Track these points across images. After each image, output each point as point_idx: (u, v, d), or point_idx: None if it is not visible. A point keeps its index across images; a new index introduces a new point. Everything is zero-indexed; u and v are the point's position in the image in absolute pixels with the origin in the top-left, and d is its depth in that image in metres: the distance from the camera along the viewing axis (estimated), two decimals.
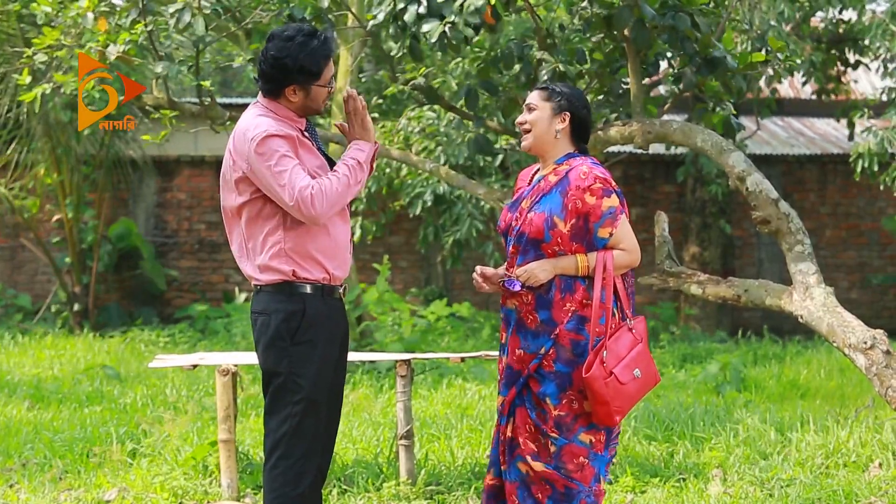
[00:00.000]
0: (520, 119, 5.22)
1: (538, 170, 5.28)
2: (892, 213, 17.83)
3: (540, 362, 5.00)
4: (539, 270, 4.99)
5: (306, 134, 4.94)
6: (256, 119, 4.83)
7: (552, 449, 4.98)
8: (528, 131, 5.17)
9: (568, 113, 5.15)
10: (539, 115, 5.16)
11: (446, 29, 7.26)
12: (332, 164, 5.02)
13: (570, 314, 4.99)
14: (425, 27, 7.35)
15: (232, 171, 4.84)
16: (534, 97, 5.21)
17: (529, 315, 5.05)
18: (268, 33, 4.96)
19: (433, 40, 7.31)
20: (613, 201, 5.01)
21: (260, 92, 4.96)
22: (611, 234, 5.00)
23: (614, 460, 5.42)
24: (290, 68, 4.79)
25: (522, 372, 5.06)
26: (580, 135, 5.22)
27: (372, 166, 4.98)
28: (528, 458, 5.00)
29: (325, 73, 4.87)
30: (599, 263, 4.98)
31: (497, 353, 5.38)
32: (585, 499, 4.98)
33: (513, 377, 5.11)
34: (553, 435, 4.97)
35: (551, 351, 4.98)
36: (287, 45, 4.79)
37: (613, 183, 5.07)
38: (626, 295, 5.09)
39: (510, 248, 5.13)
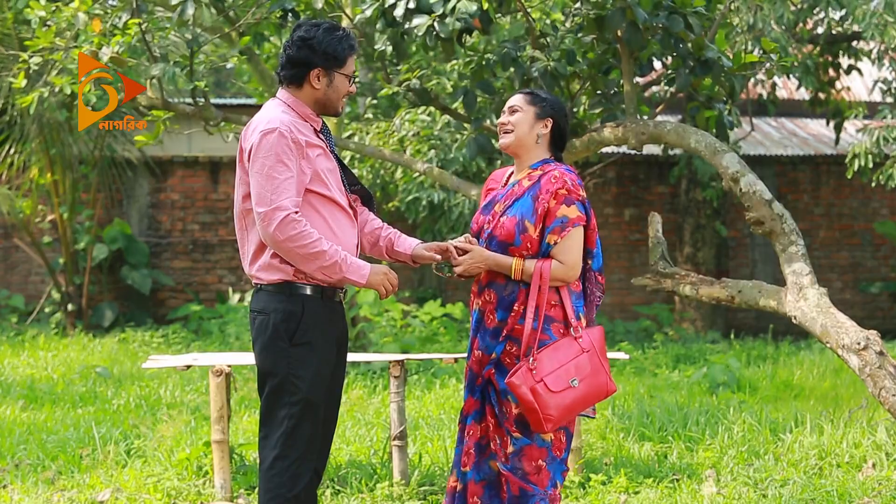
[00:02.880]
0: (502, 120, 5.25)
1: (512, 173, 5.33)
2: (886, 213, 17.85)
3: (494, 365, 5.05)
4: (473, 266, 5.07)
5: (321, 135, 4.96)
6: (272, 113, 4.87)
7: (510, 449, 5.01)
8: (510, 132, 5.21)
9: (551, 119, 5.22)
10: (522, 117, 5.20)
11: (434, 23, 7.28)
12: (342, 167, 5.04)
13: (523, 309, 5.03)
14: (414, 21, 7.37)
15: (240, 165, 4.86)
16: (518, 100, 5.25)
17: (490, 315, 5.10)
18: (296, 24, 5.01)
19: (420, 33, 7.32)
20: (571, 212, 5.05)
21: (280, 86, 5.00)
22: (555, 243, 5.05)
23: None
24: (317, 50, 4.85)
25: (479, 376, 5.10)
26: (557, 143, 5.29)
27: (339, 277, 4.85)
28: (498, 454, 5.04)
29: (348, 63, 4.93)
30: (537, 272, 5.02)
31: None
32: (540, 502, 5.00)
33: (474, 381, 5.15)
34: (515, 434, 5.00)
35: (513, 349, 5.03)
36: (314, 30, 4.88)
37: (582, 194, 5.12)
38: (570, 304, 5.09)
39: None
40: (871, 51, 14.60)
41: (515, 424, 5.01)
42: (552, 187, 5.05)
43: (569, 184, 5.07)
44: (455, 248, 5.10)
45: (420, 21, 7.35)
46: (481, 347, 5.11)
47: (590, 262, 5.19)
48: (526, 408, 4.93)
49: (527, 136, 5.20)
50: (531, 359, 4.94)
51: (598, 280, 5.24)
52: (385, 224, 5.25)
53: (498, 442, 5.04)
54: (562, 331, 5.04)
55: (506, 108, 5.27)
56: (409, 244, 5.20)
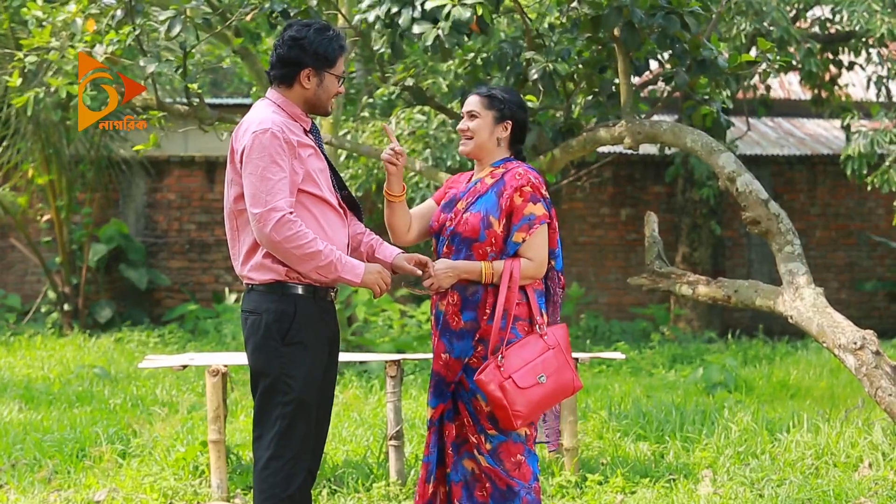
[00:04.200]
0: (461, 126, 5.23)
1: (473, 174, 5.33)
2: (882, 213, 17.85)
3: (466, 368, 5.05)
4: (443, 277, 5.07)
5: (311, 135, 4.96)
6: (263, 114, 4.87)
7: (488, 447, 5.03)
8: (470, 138, 5.20)
9: (510, 121, 5.22)
10: (481, 123, 5.19)
11: (440, 32, 7.27)
12: (331, 167, 5.04)
13: (491, 310, 5.05)
14: (417, 29, 7.37)
15: (231, 165, 4.86)
16: (475, 104, 5.21)
17: (455, 317, 5.10)
18: (287, 24, 5.01)
19: (428, 43, 7.31)
20: (537, 209, 5.08)
21: (271, 85, 5.01)
22: (523, 240, 5.08)
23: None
24: (308, 50, 4.85)
25: (448, 379, 5.10)
26: (518, 137, 5.29)
27: (335, 276, 4.85)
28: (475, 453, 5.04)
29: (338, 64, 4.93)
30: (506, 270, 5.04)
31: None
32: (527, 496, 5.02)
33: (442, 386, 5.14)
34: (491, 432, 5.02)
35: (479, 349, 5.03)
36: (305, 30, 4.89)
37: (545, 192, 5.15)
38: (535, 302, 5.11)
39: (443, 248, 5.17)
40: (866, 43, 14.58)
41: (489, 421, 5.02)
42: (516, 183, 5.08)
43: (533, 181, 5.11)
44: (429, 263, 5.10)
45: (423, 28, 7.34)
46: (448, 351, 5.10)
47: (553, 262, 5.21)
48: (495, 405, 4.94)
49: (487, 141, 5.21)
50: (499, 356, 4.95)
51: (560, 279, 5.28)
52: (367, 230, 5.25)
53: (474, 439, 5.04)
54: (526, 329, 5.08)
55: (464, 112, 5.24)
56: (389, 252, 5.19)
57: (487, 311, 5.04)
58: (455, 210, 5.16)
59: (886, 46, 14.48)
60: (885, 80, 14.83)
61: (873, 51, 14.69)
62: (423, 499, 5.20)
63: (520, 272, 5.03)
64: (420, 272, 5.07)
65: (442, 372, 5.13)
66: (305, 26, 4.91)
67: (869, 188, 14.01)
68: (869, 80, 15.13)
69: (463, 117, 5.24)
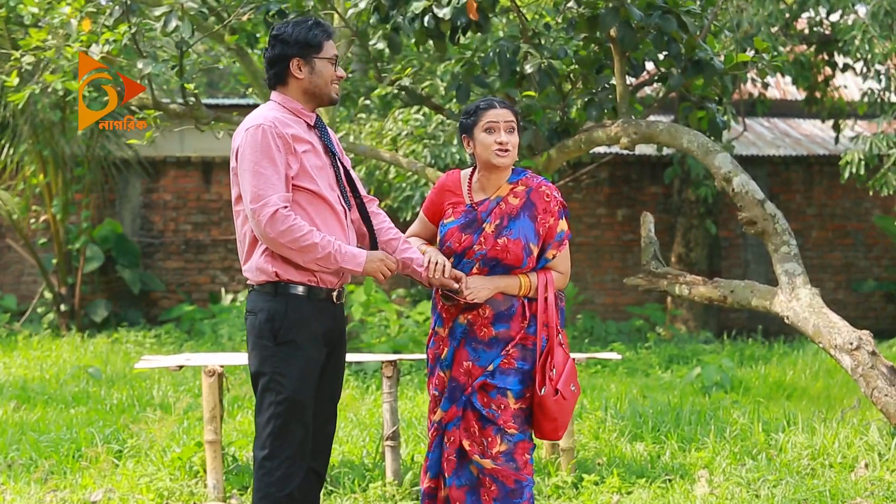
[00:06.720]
0: (505, 139, 5.02)
1: (471, 177, 5.22)
2: (879, 213, 17.86)
3: (493, 372, 5.04)
4: (481, 290, 5.04)
5: (315, 130, 4.95)
6: (259, 112, 4.92)
7: (503, 448, 5.03)
8: (509, 151, 5.05)
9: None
10: (516, 137, 5.11)
11: (433, 6, 7.28)
12: (339, 163, 5.04)
13: (528, 320, 5.08)
14: (415, 5, 7.38)
15: (232, 167, 4.88)
16: (510, 115, 5.08)
17: (484, 328, 5.08)
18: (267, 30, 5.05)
19: (417, 13, 7.31)
20: (564, 225, 5.13)
21: (270, 89, 5.03)
22: (554, 256, 5.12)
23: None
24: (290, 41, 4.88)
25: (467, 386, 5.08)
26: None
27: (336, 267, 4.84)
28: (476, 458, 5.04)
29: (326, 48, 4.93)
30: (543, 285, 5.07)
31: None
32: (529, 492, 5.06)
33: (457, 390, 5.12)
34: (511, 431, 5.03)
35: (511, 351, 5.04)
36: (283, 26, 4.95)
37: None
38: (557, 312, 5.14)
39: (472, 270, 5.08)
40: (856, 52, 14.62)
41: (513, 419, 5.02)
42: (548, 206, 5.09)
43: (557, 196, 5.13)
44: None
45: (417, 4, 7.35)
46: (473, 359, 5.08)
47: None
48: (549, 417, 5.01)
49: (516, 154, 5.18)
50: (553, 370, 5.01)
51: None
52: (402, 236, 5.19)
53: (489, 441, 5.03)
54: (545, 336, 5.09)
55: (500, 124, 5.03)
56: (422, 263, 5.13)
57: (524, 322, 5.06)
58: (484, 234, 5.07)
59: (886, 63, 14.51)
60: (880, 93, 14.83)
61: (880, 67, 14.69)
62: (427, 489, 5.22)
63: (554, 284, 5.10)
64: (456, 285, 5.04)
65: (461, 379, 5.10)
66: (285, 24, 4.98)
67: (871, 192, 14.03)
68: (864, 95, 15.13)
69: (493, 128, 5.04)
